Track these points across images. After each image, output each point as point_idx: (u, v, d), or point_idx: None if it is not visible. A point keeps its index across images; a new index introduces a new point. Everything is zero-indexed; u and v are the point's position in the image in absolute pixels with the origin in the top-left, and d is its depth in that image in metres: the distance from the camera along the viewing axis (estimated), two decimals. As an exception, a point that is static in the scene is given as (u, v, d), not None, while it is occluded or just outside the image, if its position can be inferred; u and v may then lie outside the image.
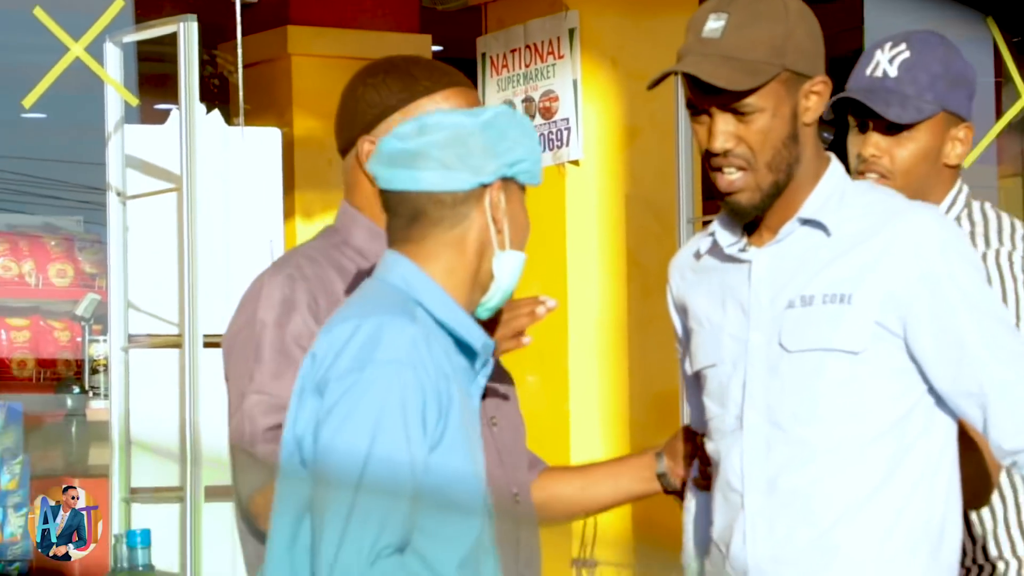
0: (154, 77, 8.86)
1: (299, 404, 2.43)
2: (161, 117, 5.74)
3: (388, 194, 2.54)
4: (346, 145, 2.90)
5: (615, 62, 7.16)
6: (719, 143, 2.69)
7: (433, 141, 2.50)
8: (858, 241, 2.70)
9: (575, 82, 7.07)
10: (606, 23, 7.17)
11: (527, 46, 7.27)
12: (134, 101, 5.42)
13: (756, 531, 2.71)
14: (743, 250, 2.77)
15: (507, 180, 2.54)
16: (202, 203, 5.07)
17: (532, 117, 7.20)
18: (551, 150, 7.08)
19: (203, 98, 5.34)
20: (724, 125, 2.69)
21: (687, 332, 2.88)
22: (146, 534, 3.96)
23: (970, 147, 3.05)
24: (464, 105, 2.89)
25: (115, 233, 5.29)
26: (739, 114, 2.68)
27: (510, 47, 7.34)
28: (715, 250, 2.82)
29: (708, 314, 2.81)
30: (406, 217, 2.52)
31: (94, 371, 7.33)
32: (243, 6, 6.73)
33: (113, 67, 5.34)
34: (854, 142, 3.03)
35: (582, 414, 6.99)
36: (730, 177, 2.70)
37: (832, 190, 2.74)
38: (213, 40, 8.02)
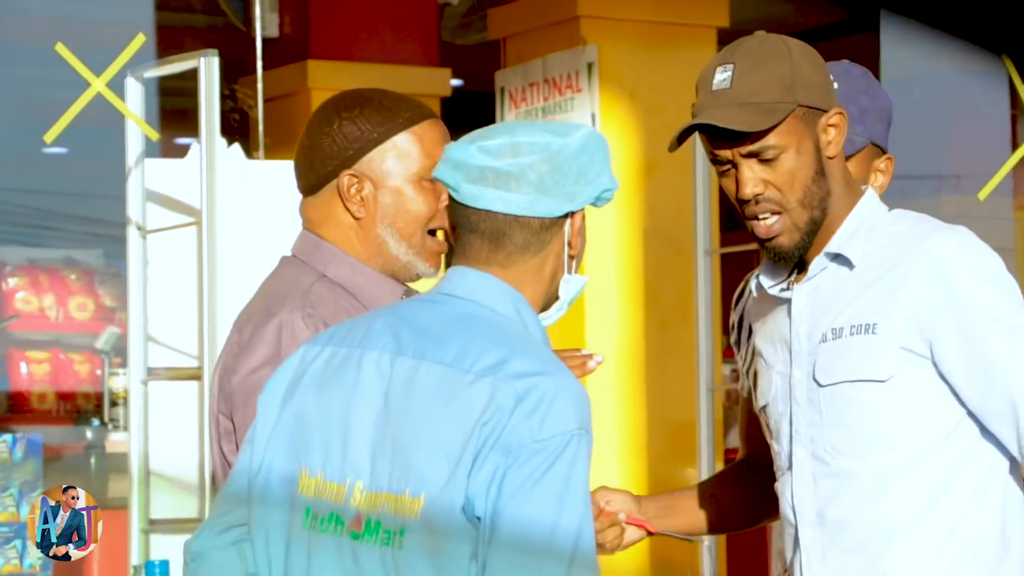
0: (175, 112, 8.92)
1: (473, 462, 2.30)
2: (181, 151, 5.78)
3: (468, 209, 2.43)
4: (321, 180, 2.86)
5: (633, 96, 7.19)
6: (749, 189, 2.71)
7: (530, 163, 2.41)
8: (882, 271, 2.72)
9: (593, 116, 7.10)
10: (624, 57, 7.21)
11: (545, 80, 7.30)
12: (155, 136, 5.45)
13: (811, 564, 2.76)
14: (785, 289, 2.81)
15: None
16: (222, 237, 5.09)
17: (550, 151, 7.23)
18: (569, 183, 7.10)
19: (223, 132, 5.36)
20: (750, 172, 2.71)
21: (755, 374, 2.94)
22: (164, 565, 3.98)
23: (890, 177, 3.06)
24: (438, 137, 2.87)
25: (135, 267, 5.31)
26: (764, 161, 2.71)
27: (529, 81, 7.37)
28: (763, 292, 2.86)
29: (765, 354, 2.84)
30: (487, 236, 2.43)
31: (114, 404, 7.37)
32: (264, 41, 6.79)
33: (134, 102, 5.38)
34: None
35: (599, 444, 6.99)
36: (767, 223, 2.73)
37: (861, 222, 2.77)
38: (234, 75, 8.07)
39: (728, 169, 2.74)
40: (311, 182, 2.87)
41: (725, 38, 7.55)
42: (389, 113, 2.84)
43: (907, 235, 2.74)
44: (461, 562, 2.31)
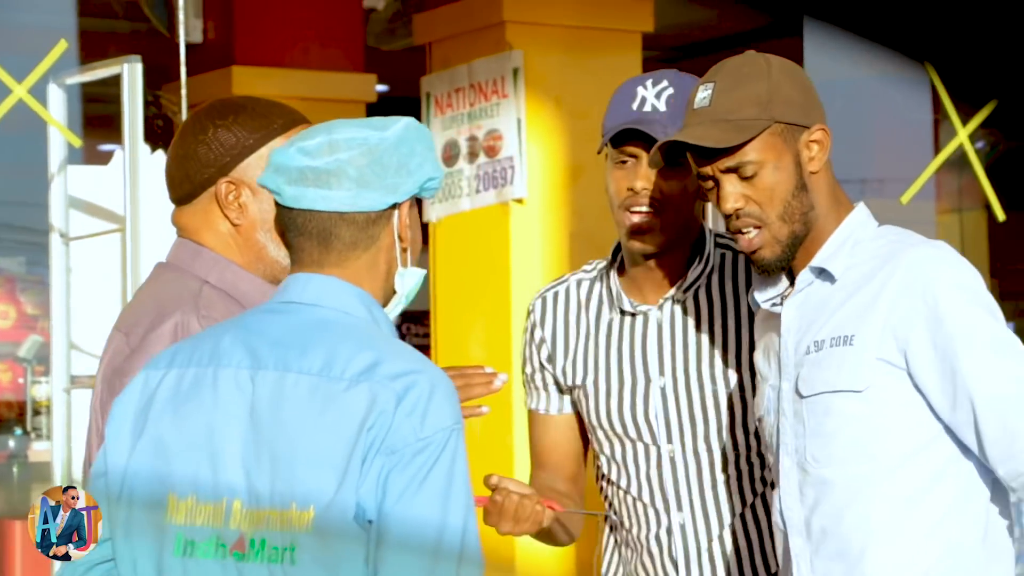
0: (99, 118, 8.86)
1: (361, 467, 2.29)
2: (105, 158, 5.75)
3: (293, 212, 2.42)
4: (197, 189, 2.83)
5: (559, 101, 7.20)
6: (729, 205, 2.79)
7: (348, 159, 2.41)
8: (861, 284, 2.79)
9: (519, 121, 7.11)
10: (550, 63, 7.21)
11: (471, 85, 7.30)
12: (77, 142, 5.42)
13: (800, 571, 2.82)
14: (776, 304, 2.88)
15: (412, 196, 2.47)
16: (145, 244, 5.07)
17: (476, 156, 7.23)
18: (495, 188, 7.11)
19: (147, 139, 5.34)
20: (731, 187, 2.79)
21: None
22: None
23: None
24: None
25: (58, 274, 5.28)
26: (744, 177, 2.79)
27: (454, 86, 7.37)
28: (760, 307, 2.94)
29: (760, 368, 2.92)
30: (316, 238, 2.42)
31: (36, 412, 7.32)
32: (188, 47, 6.74)
33: (57, 108, 5.35)
34: (616, 176, 3.09)
35: (525, 448, 7.01)
36: (748, 237, 2.81)
37: (847, 237, 2.83)
38: (158, 81, 8.03)
39: (712, 186, 2.82)
40: (186, 191, 2.84)
41: (650, 43, 7.57)
42: (264, 119, 2.83)
43: (887, 249, 2.81)
44: (357, 568, 2.29)
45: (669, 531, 3.09)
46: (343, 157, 2.41)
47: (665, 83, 3.08)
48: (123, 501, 2.40)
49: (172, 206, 2.89)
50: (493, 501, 2.94)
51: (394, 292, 2.49)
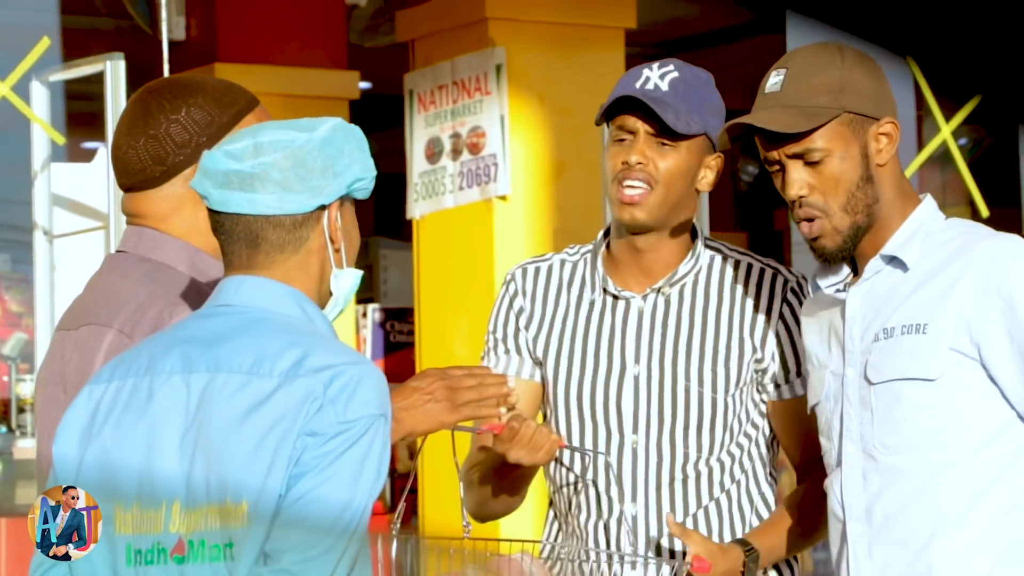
0: (82, 115, 8.84)
1: (287, 456, 2.33)
2: (88, 155, 5.74)
3: (221, 216, 2.43)
4: (171, 171, 2.72)
5: (542, 97, 7.21)
6: (794, 191, 2.82)
7: (271, 162, 2.40)
8: (934, 273, 2.82)
9: (502, 118, 7.11)
10: (533, 59, 7.22)
11: (454, 82, 7.31)
12: (61, 140, 5.42)
13: (858, 559, 2.85)
14: (840, 291, 2.90)
15: (342, 197, 2.46)
16: (130, 241, 5.07)
17: (459, 153, 7.23)
18: (479, 185, 7.11)
19: (130, 136, 5.33)
20: (796, 174, 2.82)
21: (807, 372, 3.03)
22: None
23: (717, 174, 3.15)
24: (267, 119, 2.76)
25: (42, 272, 5.28)
26: (809, 163, 2.82)
27: (437, 83, 7.37)
28: (820, 292, 2.95)
29: (817, 353, 2.94)
30: (244, 241, 2.43)
31: (21, 410, 7.30)
32: (170, 44, 6.74)
33: (40, 106, 5.34)
34: (613, 152, 3.11)
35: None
36: (810, 224, 2.84)
37: (917, 228, 2.85)
38: (141, 78, 8.00)
39: (777, 170, 2.85)
40: (155, 174, 2.73)
41: (633, 40, 7.58)
42: (229, 96, 2.76)
43: (960, 241, 2.84)
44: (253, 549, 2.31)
45: (619, 522, 3.10)
46: (267, 160, 2.41)
47: (671, 67, 3.11)
48: None
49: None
50: (511, 427, 2.91)
51: (331, 294, 2.49)
